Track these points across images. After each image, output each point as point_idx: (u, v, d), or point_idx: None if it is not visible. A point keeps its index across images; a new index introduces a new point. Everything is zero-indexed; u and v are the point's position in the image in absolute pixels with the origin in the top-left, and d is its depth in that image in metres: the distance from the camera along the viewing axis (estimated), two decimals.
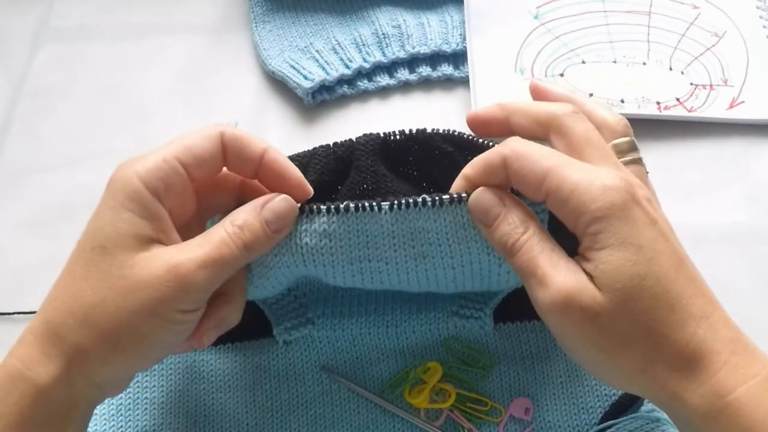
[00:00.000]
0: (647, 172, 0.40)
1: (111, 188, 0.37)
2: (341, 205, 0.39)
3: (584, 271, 0.34)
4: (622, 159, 0.38)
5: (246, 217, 0.37)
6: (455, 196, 0.38)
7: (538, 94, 0.43)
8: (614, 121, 0.40)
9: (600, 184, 0.34)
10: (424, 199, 0.39)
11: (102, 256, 0.36)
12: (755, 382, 0.32)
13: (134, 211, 0.36)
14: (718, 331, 0.33)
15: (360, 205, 0.39)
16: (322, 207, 0.39)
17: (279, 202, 0.38)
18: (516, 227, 0.36)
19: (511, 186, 0.38)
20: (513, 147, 0.36)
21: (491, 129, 0.42)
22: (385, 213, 0.39)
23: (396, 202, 0.39)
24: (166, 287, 0.35)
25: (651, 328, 0.33)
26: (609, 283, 0.33)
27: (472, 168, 0.38)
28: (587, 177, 0.34)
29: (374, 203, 0.39)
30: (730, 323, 0.34)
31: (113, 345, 0.36)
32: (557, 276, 0.34)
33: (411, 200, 0.39)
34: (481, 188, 0.38)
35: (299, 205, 0.39)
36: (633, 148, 0.39)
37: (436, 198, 0.38)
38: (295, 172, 0.40)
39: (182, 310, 0.36)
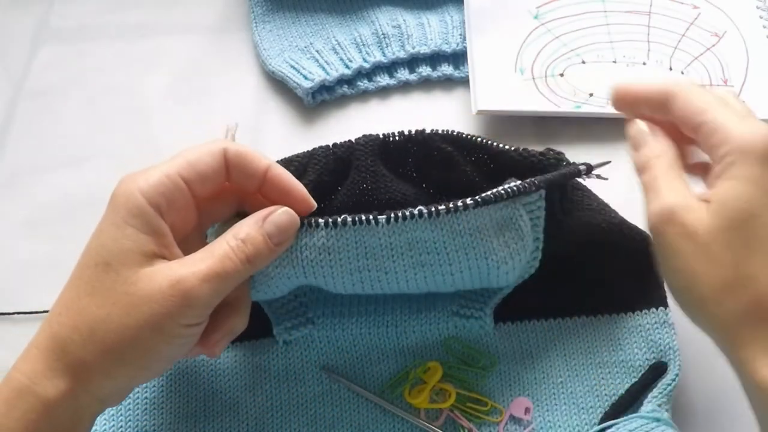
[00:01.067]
0: None
1: (113, 204, 0.37)
2: (339, 219, 0.39)
3: (703, 197, 0.36)
4: None
5: (248, 231, 0.38)
6: (451, 205, 0.39)
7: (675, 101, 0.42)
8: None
9: (750, 127, 0.36)
10: (420, 211, 0.39)
11: (106, 273, 0.36)
12: None
13: (137, 227, 0.36)
14: None
15: (357, 218, 0.39)
16: (320, 221, 0.40)
17: (281, 215, 0.39)
18: (653, 150, 0.39)
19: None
20: (681, 84, 0.39)
21: (639, 109, 0.42)
22: (382, 226, 0.39)
23: (393, 215, 0.39)
24: (170, 302, 0.35)
25: (742, 263, 0.34)
26: (719, 210, 0.35)
27: (637, 87, 0.41)
28: (741, 120, 0.36)
29: (371, 216, 0.39)
30: None
31: (117, 360, 0.36)
32: (669, 192, 0.36)
33: (407, 212, 0.39)
34: (641, 120, 0.40)
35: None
36: None
37: (432, 209, 0.39)
38: (299, 186, 0.40)
39: (186, 324, 0.37)
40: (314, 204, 0.40)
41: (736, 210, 0.34)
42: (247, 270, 0.38)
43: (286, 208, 0.39)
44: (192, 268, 0.36)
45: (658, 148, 0.39)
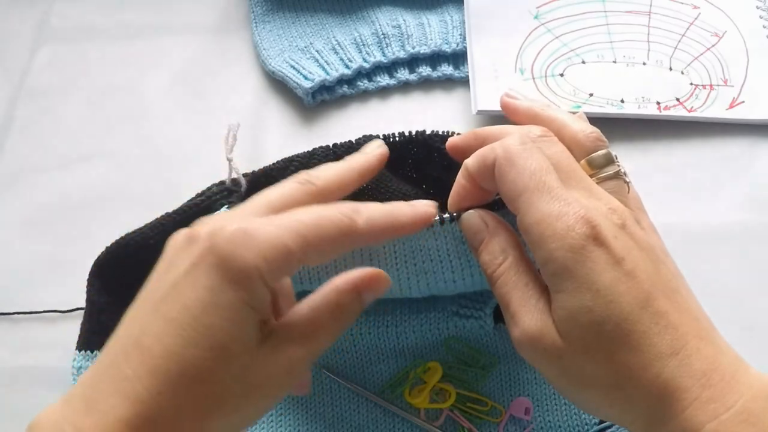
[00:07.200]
0: (628, 182, 0.37)
1: (230, 278, 0.31)
2: None
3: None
4: (599, 175, 0.37)
5: (353, 304, 0.35)
6: (454, 214, 0.39)
7: (508, 112, 0.41)
8: (584, 136, 0.37)
9: (563, 225, 0.33)
10: None
11: (221, 358, 0.31)
12: (728, 416, 0.31)
13: (255, 307, 0.32)
14: (690, 366, 0.32)
15: None
16: None
17: (381, 284, 0.36)
18: (494, 257, 0.36)
19: None
20: (506, 149, 0.35)
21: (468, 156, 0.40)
22: None
23: None
24: (285, 389, 0.34)
25: (613, 370, 0.32)
26: (567, 330, 0.33)
27: (472, 160, 0.38)
28: (554, 212, 0.33)
29: None
30: (706, 352, 0.32)
31: None
32: (524, 316, 0.34)
33: None
34: (469, 212, 0.38)
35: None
36: (609, 161, 0.37)
37: (437, 218, 0.39)
38: (402, 215, 0.36)
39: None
40: (432, 212, 0.38)
41: (581, 325, 0.32)
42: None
43: (385, 278, 0.36)
44: (305, 349, 0.34)
45: (499, 248, 0.36)
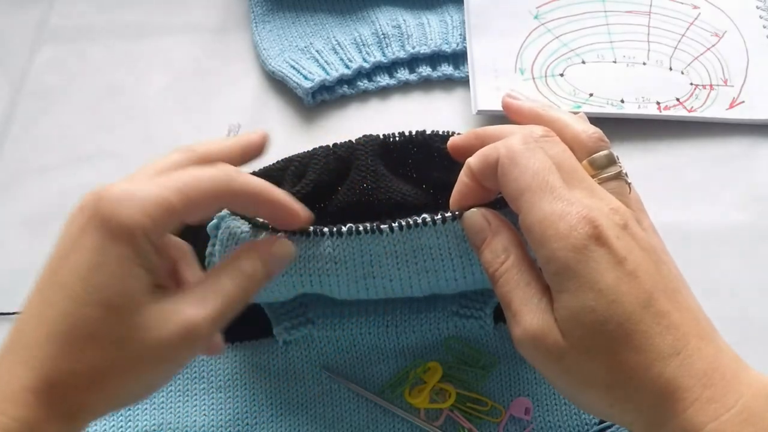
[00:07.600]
0: (629, 183, 0.37)
1: (113, 236, 0.32)
2: (344, 229, 0.40)
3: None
4: (601, 176, 0.37)
5: (254, 267, 0.36)
6: (456, 213, 0.39)
7: (510, 112, 0.42)
8: (586, 136, 0.38)
9: (565, 224, 0.33)
10: (424, 219, 0.39)
11: (111, 315, 0.32)
12: (728, 417, 0.31)
13: (142, 266, 0.33)
14: (692, 366, 0.32)
15: (363, 228, 0.39)
16: (325, 230, 0.40)
17: (284, 249, 0.38)
18: (496, 256, 0.36)
19: None
20: (509, 148, 0.36)
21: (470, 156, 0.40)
22: (387, 235, 0.39)
23: (398, 224, 0.39)
24: (184, 352, 0.34)
25: (615, 370, 0.32)
26: (569, 330, 0.33)
27: (475, 159, 0.38)
28: (557, 211, 0.33)
29: (374, 226, 0.39)
30: (707, 352, 0.32)
31: (120, 403, 0.35)
32: (526, 315, 0.34)
33: (411, 221, 0.39)
34: (471, 210, 0.38)
35: (309, 228, 0.40)
36: (611, 161, 0.37)
37: (438, 217, 0.39)
38: (288, 205, 0.38)
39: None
40: (306, 216, 0.39)
41: (584, 325, 0.32)
42: (246, 303, 0.37)
43: (285, 241, 0.38)
44: (202, 310, 0.34)
45: (501, 247, 0.36)
